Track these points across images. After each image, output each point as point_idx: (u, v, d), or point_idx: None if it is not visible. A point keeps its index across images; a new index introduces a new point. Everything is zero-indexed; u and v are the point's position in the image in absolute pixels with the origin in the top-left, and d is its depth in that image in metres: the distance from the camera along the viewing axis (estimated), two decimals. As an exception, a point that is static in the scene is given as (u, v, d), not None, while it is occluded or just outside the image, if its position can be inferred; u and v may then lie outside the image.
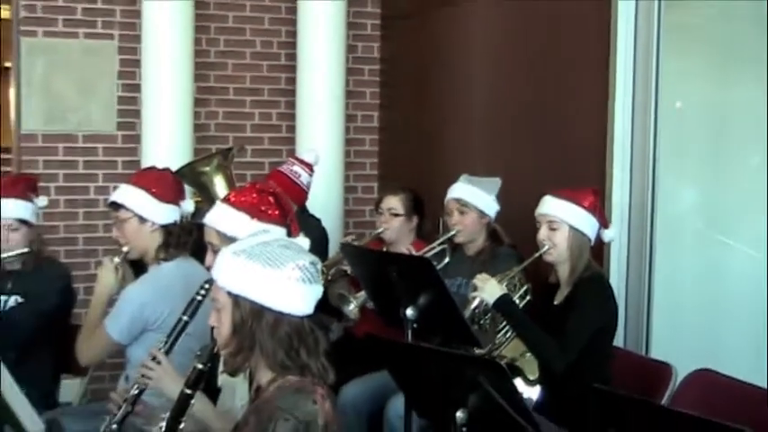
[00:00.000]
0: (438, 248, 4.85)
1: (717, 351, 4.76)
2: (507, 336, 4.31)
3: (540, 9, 5.41)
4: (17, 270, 4.45)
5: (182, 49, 6.38)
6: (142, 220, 4.05)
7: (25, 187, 4.51)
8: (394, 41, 7.14)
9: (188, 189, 4.64)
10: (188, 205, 4.21)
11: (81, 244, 6.62)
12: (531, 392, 4.17)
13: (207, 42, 6.81)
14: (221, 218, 3.31)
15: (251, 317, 2.61)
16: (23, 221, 4.41)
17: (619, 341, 4.40)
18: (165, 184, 4.14)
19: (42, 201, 4.59)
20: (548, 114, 5.32)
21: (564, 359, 3.92)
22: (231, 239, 3.05)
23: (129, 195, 4.08)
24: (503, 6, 5.81)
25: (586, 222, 4.07)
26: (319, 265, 2.69)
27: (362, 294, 4.76)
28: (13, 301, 4.41)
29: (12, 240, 4.37)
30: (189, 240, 4.12)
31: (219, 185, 5.37)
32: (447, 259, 4.87)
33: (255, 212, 3.26)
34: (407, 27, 6.93)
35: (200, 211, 4.35)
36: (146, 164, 5.87)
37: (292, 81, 6.86)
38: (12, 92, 6.89)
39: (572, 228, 4.05)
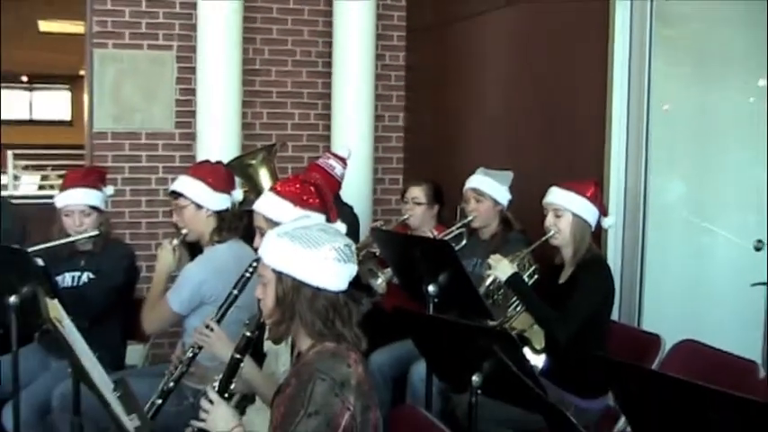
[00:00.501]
0: (456, 232, 4.83)
1: (700, 324, 4.74)
2: (517, 310, 4.30)
3: (545, 23, 5.40)
4: (88, 250, 4.47)
5: (231, 58, 6.38)
6: (199, 206, 4.05)
7: (96, 178, 4.52)
8: (418, 51, 7.13)
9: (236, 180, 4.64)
10: (237, 194, 4.22)
11: (144, 228, 6.66)
12: (537, 360, 4.15)
13: (253, 52, 6.82)
14: (268, 205, 3.29)
15: (292, 291, 2.61)
16: (94, 208, 4.43)
17: (614, 315, 4.38)
18: (218, 176, 4.14)
19: (110, 190, 4.60)
20: (553, 115, 5.31)
21: (566, 330, 3.91)
22: (276, 224, 3.05)
23: (188, 185, 4.08)
24: (513, 20, 5.79)
25: (588, 210, 4.04)
26: (353, 247, 2.68)
27: (389, 270, 4.76)
28: (85, 277, 4.43)
29: (84, 224, 4.39)
30: (240, 225, 4.12)
31: (264, 177, 5.36)
32: (464, 242, 4.84)
33: (298, 200, 3.24)
34: (429, 38, 6.92)
35: (246, 199, 4.36)
36: (200, 158, 5.90)
37: (328, 86, 6.85)
38: (85, 96, 6.92)
39: (575, 215, 4.03)
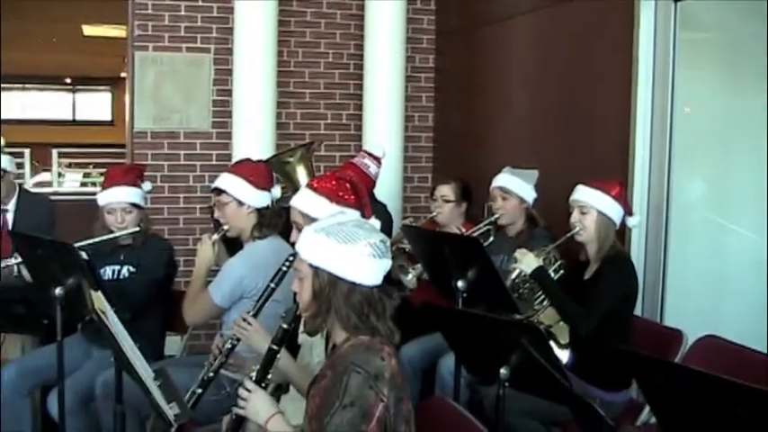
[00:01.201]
0: (483, 229, 4.80)
1: (720, 320, 4.70)
2: (543, 304, 4.27)
3: (571, 27, 5.36)
4: (128, 245, 4.47)
5: (266, 61, 6.39)
6: (240, 203, 4.03)
7: (135, 176, 4.52)
8: (446, 54, 7.12)
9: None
10: (276, 191, 4.21)
11: (181, 224, 6.69)
12: (562, 355, 4.12)
13: (288, 54, 6.83)
14: (305, 201, 3.28)
15: (328, 285, 2.59)
16: (135, 205, 4.43)
17: (637, 310, 4.34)
18: (259, 173, 4.13)
19: (147, 185, 4.58)
20: (579, 117, 5.27)
21: (587, 325, 3.89)
22: (313, 219, 3.04)
23: (230, 182, 4.06)
24: (539, 25, 5.77)
25: (612, 209, 4.01)
26: (388, 243, 2.66)
27: (419, 266, 4.75)
28: (125, 270, 4.43)
29: (126, 221, 4.40)
30: (279, 222, 4.09)
31: (301, 174, 5.36)
32: (491, 239, 4.82)
33: (334, 197, 3.22)
34: (458, 41, 6.90)
35: (284, 195, 4.35)
36: (236, 157, 5.89)
37: (360, 87, 6.85)
38: (126, 97, 6.96)
39: (600, 213, 4.00)
